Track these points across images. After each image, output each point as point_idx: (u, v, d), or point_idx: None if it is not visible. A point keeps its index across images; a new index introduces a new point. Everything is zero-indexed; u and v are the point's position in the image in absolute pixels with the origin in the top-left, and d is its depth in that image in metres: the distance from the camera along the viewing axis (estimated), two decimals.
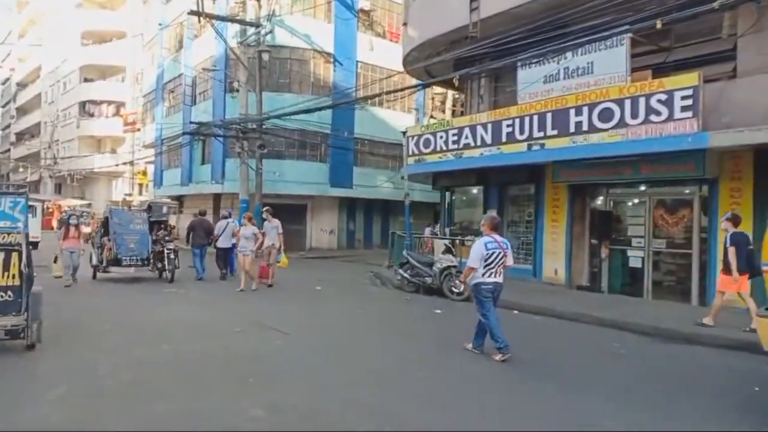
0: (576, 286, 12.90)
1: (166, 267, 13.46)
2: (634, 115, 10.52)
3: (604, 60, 11.41)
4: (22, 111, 61.78)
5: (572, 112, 11.69)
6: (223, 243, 14.40)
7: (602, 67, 11.45)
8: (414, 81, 21.21)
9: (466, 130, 13.88)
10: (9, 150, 63.26)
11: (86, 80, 48.32)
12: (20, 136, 60.85)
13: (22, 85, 62.04)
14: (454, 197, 16.81)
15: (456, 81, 14.72)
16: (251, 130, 23.49)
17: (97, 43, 48.17)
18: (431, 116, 30.37)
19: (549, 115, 12.12)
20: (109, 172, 45.02)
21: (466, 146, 13.87)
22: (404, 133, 14.75)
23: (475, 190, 16.45)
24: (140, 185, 45.20)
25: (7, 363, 6.03)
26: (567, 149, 11.75)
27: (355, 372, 6.13)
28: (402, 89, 19.32)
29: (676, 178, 11.04)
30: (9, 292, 6.16)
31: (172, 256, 13.35)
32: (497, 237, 6.82)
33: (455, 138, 14.16)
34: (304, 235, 27.22)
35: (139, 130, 39.18)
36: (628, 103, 10.64)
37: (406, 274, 12.77)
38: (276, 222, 13.05)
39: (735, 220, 8.37)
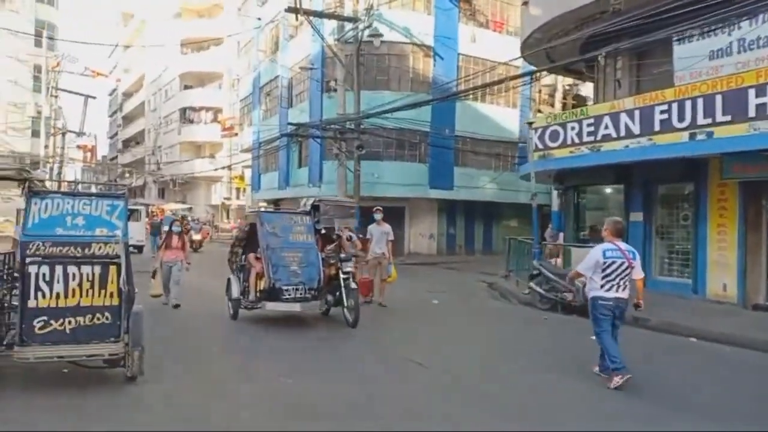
0: (752, 305, 10.56)
1: (345, 302, 8.64)
2: None
3: None
4: (128, 119, 65.01)
5: (751, 92, 9.50)
6: None
7: None
8: (518, 71, 19.43)
9: (606, 119, 11.89)
10: (116, 157, 66.82)
11: (186, 87, 49.79)
12: (126, 144, 64.06)
13: (127, 95, 65.28)
14: (581, 198, 14.74)
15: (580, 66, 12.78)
16: (349, 130, 22.51)
17: (195, 51, 49.53)
18: (538, 110, 28.17)
19: (719, 98, 9.96)
20: (209, 177, 45.99)
21: (606, 138, 11.87)
22: (530, 124, 12.87)
23: (609, 190, 14.36)
24: (237, 189, 45.86)
25: (103, 398, 4.96)
26: (745, 138, 9.54)
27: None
28: (515, 77, 17.45)
29: None
30: (106, 314, 5.09)
31: (352, 285, 8.72)
32: (621, 245, 5.95)
33: (591, 129, 12.20)
34: (402, 240, 25.84)
35: (236, 134, 39.58)
36: None
37: (539, 289, 10.97)
38: (387, 227, 11.17)
39: None
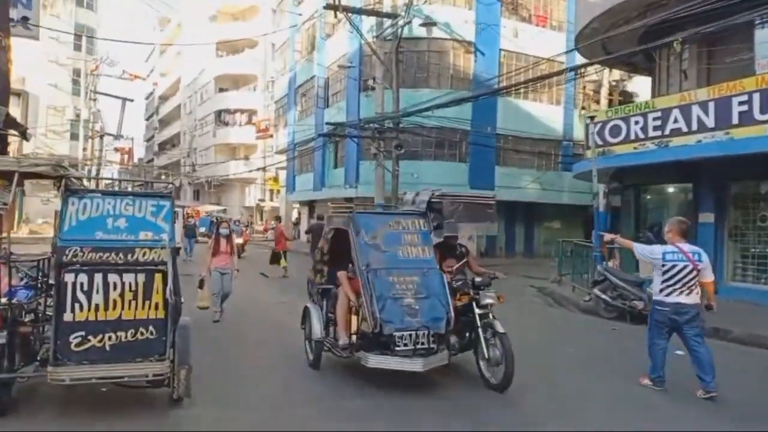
0: None
1: (485, 352, 5.68)
2: None
3: None
4: (164, 122, 65.73)
5: None
6: None
7: None
8: (562, 67, 18.45)
9: (675, 113, 11.00)
10: (153, 159, 67.61)
11: (221, 90, 50.00)
12: (162, 146, 64.74)
13: (163, 98, 65.99)
14: (642, 198, 13.78)
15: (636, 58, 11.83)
16: (387, 129, 21.88)
17: (230, 54, 49.71)
18: (582, 107, 27.08)
19: None
20: (243, 179, 45.99)
21: (675, 132, 10.99)
22: (592, 117, 11.98)
23: (671, 189, 13.39)
24: (271, 191, 45.74)
25: (146, 423, 4.40)
26: None
27: None
28: (560, 72, 16.47)
29: None
30: (151, 328, 4.50)
31: (499, 327, 5.64)
32: (684, 247, 5.50)
33: (658, 123, 11.31)
34: None
35: (271, 136, 39.35)
36: None
37: (605, 296, 10.11)
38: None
39: None
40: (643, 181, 13.18)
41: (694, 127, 10.57)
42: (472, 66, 23.94)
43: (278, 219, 18.46)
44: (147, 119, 75.40)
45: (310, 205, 33.06)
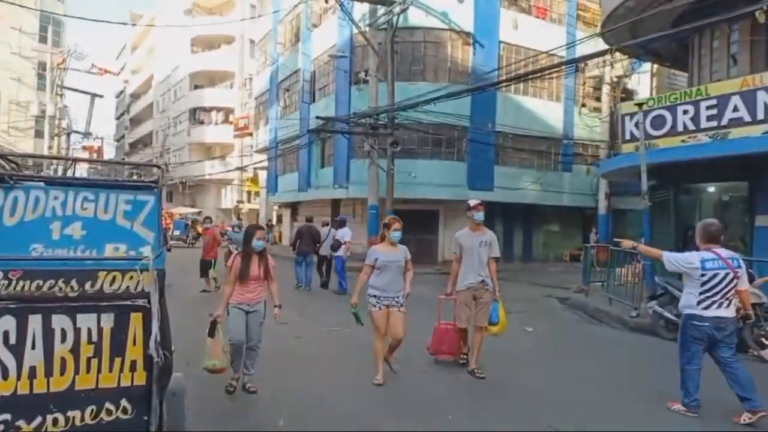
0: None
1: None
2: None
3: None
4: (135, 122, 63.21)
5: None
6: (325, 250, 13.77)
7: None
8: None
9: (735, 100, 9.59)
10: (124, 159, 64.85)
11: (196, 87, 48.00)
12: (134, 146, 62.15)
13: (135, 96, 63.51)
14: (679, 198, 12.33)
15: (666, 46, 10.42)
16: (382, 125, 20.25)
17: (206, 50, 47.68)
18: (583, 104, 25.85)
19: None
20: (219, 180, 43.94)
21: (735, 122, 9.56)
22: (640, 104, 10.39)
23: (711, 188, 11.98)
24: (248, 193, 43.71)
25: None
26: None
27: None
28: (570, 61, 15.10)
29: None
30: (124, 403, 2.76)
31: None
32: (722, 252, 5.00)
33: (712, 112, 9.89)
34: (435, 247, 23.58)
35: (250, 134, 37.38)
36: None
37: (668, 313, 8.58)
38: (489, 234, 6.49)
39: None
40: (684, 179, 11.71)
41: (760, 115, 9.17)
42: (470, 58, 22.43)
43: (208, 219, 15.00)
44: (117, 118, 72.60)
45: (293, 207, 31.22)
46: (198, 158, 47.12)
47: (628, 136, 11.23)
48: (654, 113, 10.78)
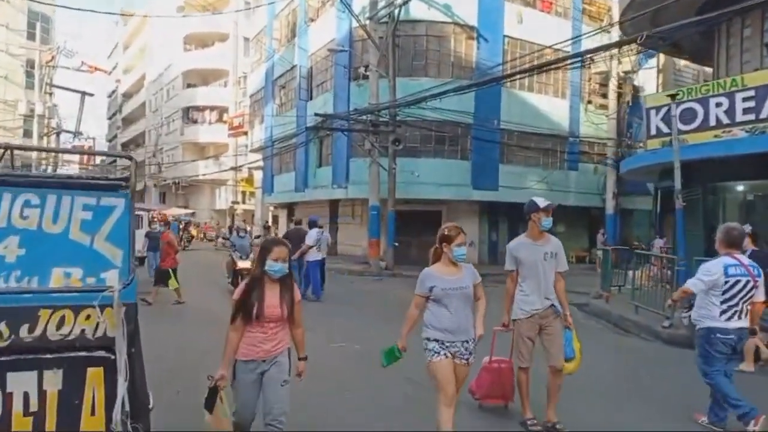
0: None
1: None
2: None
3: None
4: (127, 121, 62.30)
5: None
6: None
7: None
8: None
9: None
10: (115, 160, 63.80)
11: (189, 86, 47.14)
12: (126, 146, 61.19)
13: (127, 96, 62.59)
14: (708, 199, 11.53)
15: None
16: (383, 122, 19.45)
17: (199, 48, 46.80)
18: (589, 101, 25.12)
19: None
20: (213, 180, 43.04)
21: None
22: (673, 96, 9.51)
23: (741, 187, 11.20)
24: (243, 193, 42.81)
25: None
26: None
27: None
28: (597, 50, 14.26)
29: None
30: None
31: None
32: (743, 259, 4.79)
33: (750, 105, 9.11)
34: None
35: (245, 133, 36.49)
36: None
37: None
38: (555, 242, 4.90)
39: None
40: (714, 177, 10.91)
41: None
42: (474, 53, 21.68)
43: (167, 225, 13.74)
44: (109, 118, 71.61)
45: (290, 207, 30.36)
46: (191, 158, 46.27)
47: (654, 132, 10.44)
48: (683, 106, 9.99)
